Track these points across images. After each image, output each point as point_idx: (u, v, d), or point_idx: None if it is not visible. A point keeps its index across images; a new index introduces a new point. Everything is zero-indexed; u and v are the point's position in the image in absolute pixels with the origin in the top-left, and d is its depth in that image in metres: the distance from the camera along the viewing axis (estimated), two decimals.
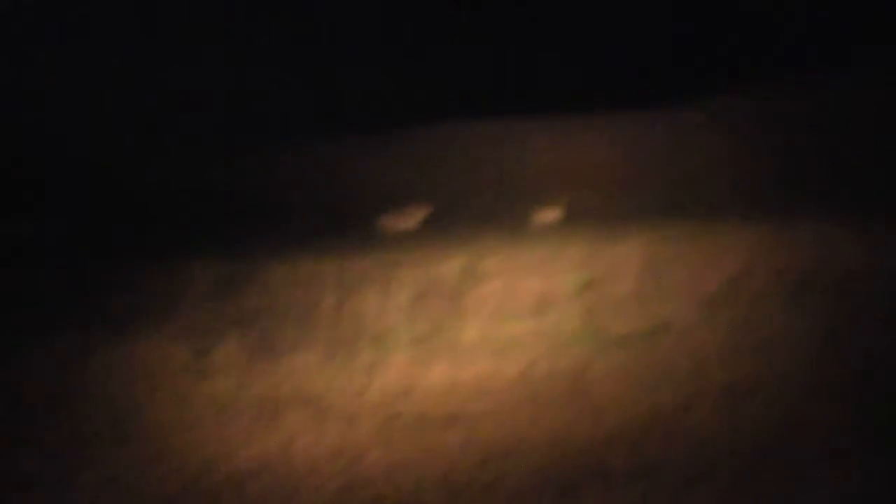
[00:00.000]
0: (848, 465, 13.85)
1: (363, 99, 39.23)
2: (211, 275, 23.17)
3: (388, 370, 18.74)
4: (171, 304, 22.21)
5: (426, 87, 38.99)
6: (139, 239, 27.02)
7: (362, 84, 39.84)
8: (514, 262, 23.34)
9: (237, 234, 27.26)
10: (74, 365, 19.28)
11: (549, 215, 27.63)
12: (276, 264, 23.54)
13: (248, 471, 15.19)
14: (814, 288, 20.37)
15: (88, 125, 37.08)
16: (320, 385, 18.17)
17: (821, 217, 23.03)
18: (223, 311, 21.91)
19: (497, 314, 21.44)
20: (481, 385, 17.81)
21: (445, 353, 19.58)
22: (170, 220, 29.55)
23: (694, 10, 39.28)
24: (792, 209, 24.48)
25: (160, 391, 18.00)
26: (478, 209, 29.77)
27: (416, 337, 20.55)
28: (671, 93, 34.52)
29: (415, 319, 21.44)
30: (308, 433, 16.15)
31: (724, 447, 14.54)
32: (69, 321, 21.15)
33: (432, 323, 21.19)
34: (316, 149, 35.66)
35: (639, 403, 16.26)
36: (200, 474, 15.19)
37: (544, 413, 16.42)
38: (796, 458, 14.18)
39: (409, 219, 28.53)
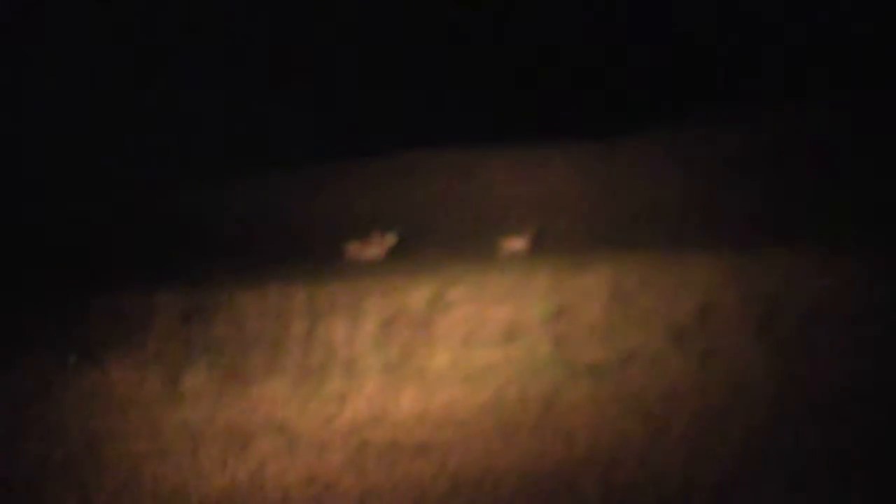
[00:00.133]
0: (814, 496, 14.03)
1: (329, 129, 39.34)
2: (180, 303, 23.12)
3: (358, 398, 18.81)
4: (142, 333, 22.21)
5: (391, 118, 39.18)
6: (108, 268, 27.01)
7: (329, 114, 39.98)
8: (482, 291, 23.41)
9: (204, 262, 27.27)
10: (48, 392, 19.29)
11: (516, 244, 27.73)
12: (244, 292, 23.52)
13: (219, 498, 15.18)
14: (780, 318, 20.58)
15: (52, 156, 37.17)
16: (291, 413, 18.23)
17: (786, 247, 23.20)
18: (193, 339, 21.92)
19: (466, 342, 21.54)
20: (452, 412, 17.91)
21: (415, 380, 19.67)
22: (138, 249, 29.55)
23: (650, 44, 39.71)
24: (756, 239, 24.70)
25: (132, 418, 18.01)
26: (444, 238, 29.86)
27: (385, 364, 20.63)
28: (630, 124, 34.80)
29: (384, 347, 21.51)
30: (279, 461, 16.18)
31: (694, 474, 14.66)
32: (42, 349, 21.15)
33: (402, 350, 21.27)
34: (282, 178, 35.69)
35: (609, 431, 16.39)
36: (173, 501, 15.22)
37: (515, 440, 16.50)
38: (764, 485, 14.31)
39: (377, 247, 28.57)
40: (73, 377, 19.89)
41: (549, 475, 15.14)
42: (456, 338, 21.78)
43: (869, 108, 32.34)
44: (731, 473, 14.60)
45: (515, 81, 39.51)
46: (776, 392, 17.53)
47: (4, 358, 20.72)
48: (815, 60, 37.53)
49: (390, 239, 28.74)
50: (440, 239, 29.73)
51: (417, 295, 23.37)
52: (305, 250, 29.20)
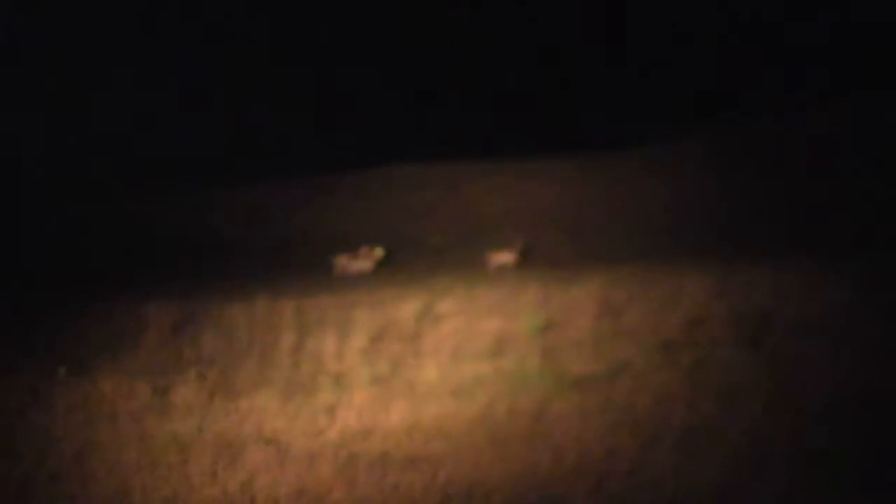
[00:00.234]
0: None
1: (317, 141, 39.35)
2: (170, 315, 23.12)
3: (348, 410, 18.81)
4: (132, 344, 22.19)
5: (381, 130, 39.24)
6: (98, 279, 26.97)
7: (316, 126, 39.99)
8: (472, 304, 23.45)
9: (194, 274, 27.26)
10: (37, 403, 19.26)
11: (505, 257, 27.75)
12: (233, 305, 23.51)
13: None
14: (770, 331, 20.64)
15: (28, 167, 37.13)
16: (281, 425, 18.22)
17: (776, 260, 23.29)
18: (182, 350, 21.92)
19: (456, 355, 21.56)
20: (441, 425, 17.92)
21: (405, 393, 19.67)
22: (129, 261, 29.52)
23: (635, 58, 39.87)
24: (746, 252, 24.77)
25: (122, 429, 17.98)
26: (433, 251, 29.87)
27: (375, 377, 20.63)
28: (619, 138, 34.92)
29: (374, 360, 21.52)
30: (269, 473, 16.18)
31: (683, 485, 14.71)
32: (32, 360, 21.13)
33: (391, 363, 21.28)
34: (270, 190, 35.71)
35: (599, 443, 16.42)
36: None
37: (505, 453, 16.52)
38: (754, 496, 14.37)
39: (365, 260, 28.56)
40: (63, 388, 19.85)
41: (539, 487, 15.19)
42: (445, 351, 21.80)
43: (865, 113, 32.56)
44: (721, 485, 14.65)
45: (502, 96, 39.54)
46: (764, 404, 17.58)
47: None
48: (806, 72, 37.61)
49: (378, 252, 28.74)
50: (428, 252, 29.73)
51: (406, 308, 23.39)
52: (294, 263, 29.18)
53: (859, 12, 38.42)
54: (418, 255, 29.27)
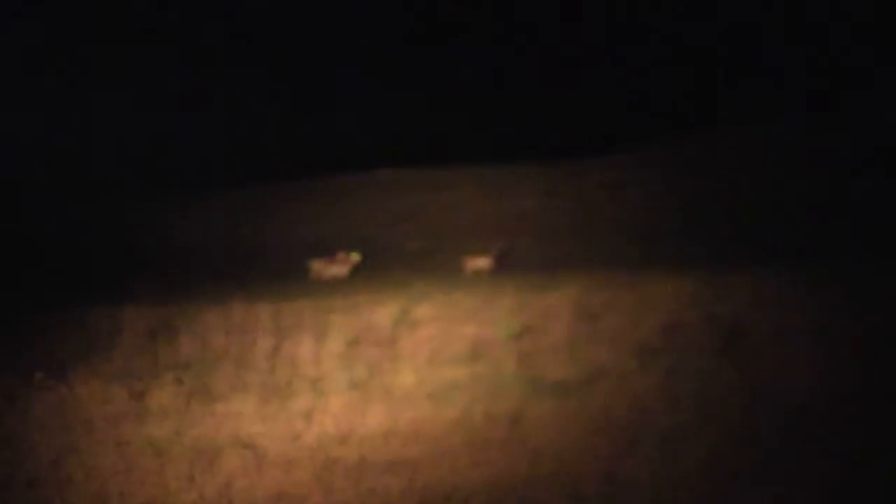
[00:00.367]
0: None
1: (294, 146, 39.37)
2: (146, 319, 23.10)
3: (325, 415, 18.81)
4: (107, 349, 22.16)
5: (357, 135, 39.29)
6: (73, 285, 26.94)
7: (294, 131, 40.02)
8: (448, 309, 23.47)
9: (169, 279, 27.23)
10: (13, 408, 19.20)
11: (481, 262, 27.82)
12: (209, 309, 23.48)
13: None
14: (747, 337, 20.74)
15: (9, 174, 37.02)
16: (258, 429, 18.21)
17: (754, 266, 23.40)
18: (159, 354, 21.90)
19: (432, 360, 21.59)
20: (419, 429, 17.93)
21: (382, 397, 19.70)
22: (103, 266, 29.50)
23: (625, 67, 40.05)
24: (725, 257, 24.89)
25: (99, 435, 17.94)
26: (409, 256, 29.92)
27: (352, 382, 20.65)
28: (599, 144, 35.08)
29: (351, 364, 21.53)
30: (246, 477, 16.15)
31: (661, 490, 14.75)
32: (7, 366, 21.05)
33: (368, 368, 21.30)
34: (246, 195, 35.74)
35: (577, 448, 16.45)
36: None
37: (482, 457, 16.53)
38: (731, 501, 14.42)
39: (342, 264, 28.58)
40: (40, 393, 19.81)
41: (517, 491, 15.18)
42: (422, 356, 21.83)
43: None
44: (697, 490, 14.68)
45: (484, 101, 39.70)
46: (740, 409, 17.66)
47: None
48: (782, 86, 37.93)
49: (355, 257, 28.76)
50: (405, 257, 29.79)
51: (383, 313, 23.41)
52: (270, 268, 29.20)
53: None
54: (395, 260, 29.31)
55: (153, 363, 21.59)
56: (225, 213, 34.23)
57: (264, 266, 29.52)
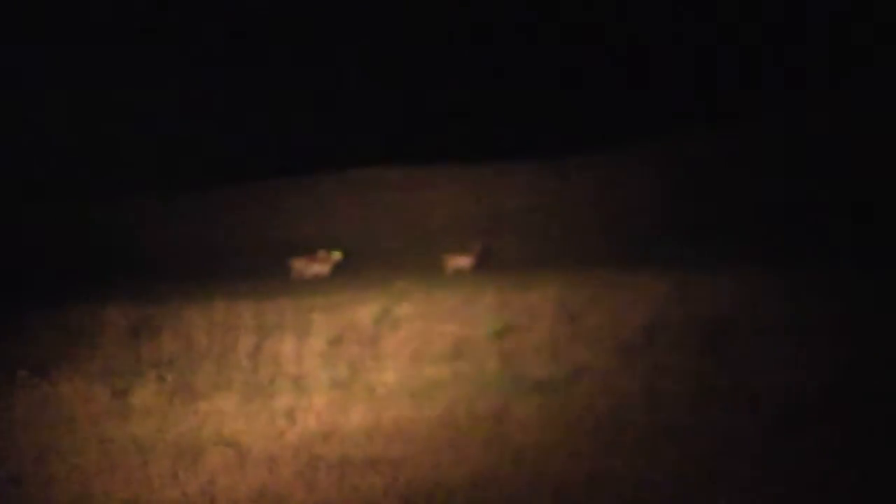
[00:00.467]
0: None
1: (274, 145, 39.33)
2: (128, 317, 23.12)
3: (307, 413, 18.79)
4: (90, 347, 22.16)
5: (338, 134, 39.23)
6: (56, 284, 26.94)
7: (273, 130, 39.96)
8: (430, 307, 23.53)
9: (151, 278, 27.27)
10: None
11: (463, 261, 27.90)
12: (192, 307, 23.52)
13: None
14: (729, 336, 20.84)
15: None
16: (240, 427, 18.19)
17: (737, 265, 23.53)
18: (141, 353, 21.91)
19: (414, 358, 21.63)
20: (402, 428, 17.94)
21: (365, 396, 19.70)
22: (84, 265, 29.49)
23: (605, 65, 40.11)
24: (707, 256, 25.01)
25: (82, 433, 17.92)
26: (391, 254, 29.98)
27: (334, 380, 20.66)
28: (584, 141, 35.10)
29: (333, 363, 21.55)
30: (229, 475, 16.14)
31: (644, 490, 14.81)
32: None
33: (350, 366, 21.33)
34: (225, 195, 35.68)
35: (560, 447, 16.46)
36: None
37: (465, 456, 16.55)
38: (716, 502, 14.49)
39: (323, 263, 28.62)
40: (22, 391, 19.79)
41: (500, 490, 15.20)
42: (404, 354, 21.88)
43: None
44: (683, 490, 14.75)
45: (466, 100, 39.72)
46: (724, 408, 17.74)
47: None
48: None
49: (336, 256, 28.81)
50: (386, 256, 29.85)
51: (364, 311, 23.46)
52: (252, 267, 29.25)
53: None
54: (376, 259, 29.37)
55: (136, 361, 21.60)
56: (203, 213, 34.21)
57: (245, 265, 29.57)
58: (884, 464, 15.06)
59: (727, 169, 31.93)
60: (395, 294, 24.39)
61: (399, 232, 31.43)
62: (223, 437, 17.82)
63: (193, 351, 22.04)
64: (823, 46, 38.20)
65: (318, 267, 28.59)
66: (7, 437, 17.81)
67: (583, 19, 40.62)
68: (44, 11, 39.81)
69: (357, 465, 16.38)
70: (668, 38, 39.86)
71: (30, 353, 21.49)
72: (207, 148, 38.46)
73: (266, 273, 28.26)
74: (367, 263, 29.20)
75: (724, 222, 28.49)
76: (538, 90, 39.29)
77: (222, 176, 36.16)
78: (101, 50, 39.46)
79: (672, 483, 14.93)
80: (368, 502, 15.18)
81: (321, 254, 28.80)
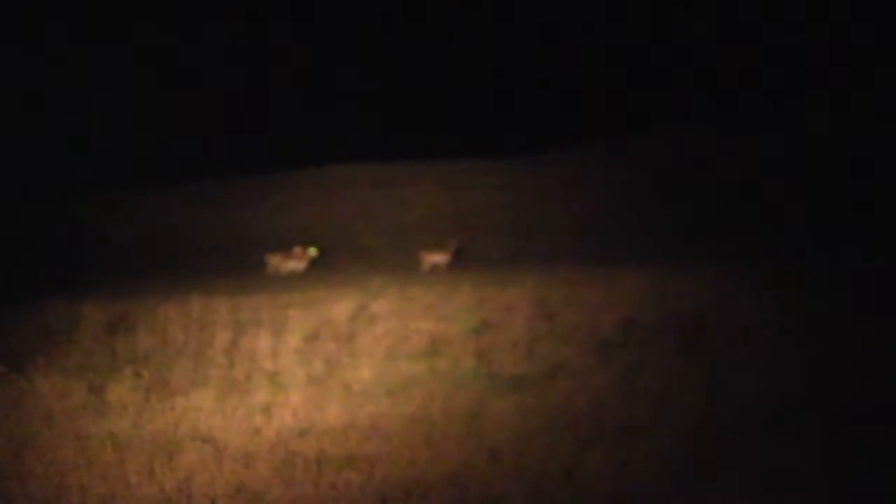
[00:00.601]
0: None
1: (249, 142, 39.34)
2: (105, 313, 23.10)
3: (284, 409, 18.80)
4: (66, 343, 22.13)
5: (312, 130, 39.26)
6: (32, 279, 26.88)
7: (248, 127, 39.97)
8: (406, 304, 23.61)
9: (128, 274, 27.24)
10: None
11: (439, 257, 27.96)
12: (168, 303, 23.53)
13: None
14: (706, 333, 20.97)
15: None
16: (217, 423, 18.18)
17: (713, 262, 23.66)
18: (118, 349, 21.88)
19: (391, 355, 21.66)
20: (378, 425, 17.97)
21: (341, 392, 19.72)
22: (61, 261, 29.42)
23: (582, 56, 40.24)
24: (686, 254, 25.13)
25: (59, 428, 17.90)
26: (367, 251, 30.01)
27: (311, 376, 20.67)
28: (559, 138, 35.22)
29: (309, 359, 21.56)
30: (206, 471, 16.14)
31: (620, 487, 14.89)
32: None
33: (326, 363, 21.35)
34: (200, 191, 35.67)
35: (537, 444, 16.53)
36: None
37: (442, 452, 16.59)
38: (691, 499, 14.57)
39: (299, 259, 28.64)
40: (0, 387, 19.76)
41: (476, 487, 15.25)
42: (380, 351, 21.91)
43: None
44: (658, 486, 14.83)
45: (442, 98, 39.80)
46: (700, 405, 17.84)
47: None
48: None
49: (312, 252, 28.83)
50: (362, 253, 29.88)
51: (340, 308, 23.51)
52: (227, 263, 29.24)
53: None
54: (351, 256, 29.41)
55: (112, 357, 21.57)
56: (179, 209, 34.20)
57: (221, 261, 29.55)
58: (859, 463, 15.19)
59: (704, 168, 32.09)
60: (371, 291, 24.44)
61: (375, 229, 31.46)
62: (200, 434, 17.81)
63: (170, 347, 22.04)
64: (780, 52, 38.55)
65: (294, 263, 28.61)
66: None
67: (559, 19, 40.70)
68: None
69: (334, 462, 16.41)
70: (645, 40, 39.99)
71: (6, 349, 21.44)
72: (183, 145, 38.43)
73: (242, 269, 28.27)
74: (342, 260, 29.24)
75: (700, 220, 28.63)
76: (512, 89, 39.37)
77: (199, 172, 36.14)
78: (73, 48, 39.36)
79: (649, 480, 15.02)
80: (345, 499, 15.21)
81: (297, 250, 28.81)
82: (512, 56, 40.10)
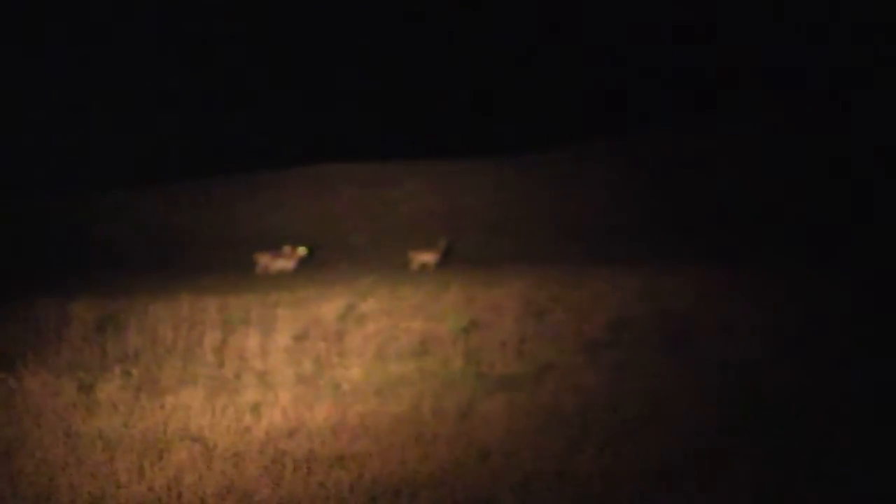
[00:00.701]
0: None
1: (239, 140, 39.31)
2: (94, 312, 23.08)
3: (273, 409, 18.81)
4: (56, 342, 22.14)
5: (303, 129, 39.25)
6: (21, 277, 26.85)
7: (238, 126, 39.95)
8: (395, 303, 23.61)
9: (117, 273, 27.20)
10: None
11: (428, 257, 27.97)
12: (157, 303, 23.52)
13: None
14: (694, 332, 21.03)
15: None
16: (206, 422, 18.18)
17: (702, 262, 23.70)
18: (107, 347, 21.91)
19: (380, 354, 21.72)
20: (367, 424, 17.99)
21: (330, 392, 19.75)
22: (51, 259, 29.39)
23: (568, 59, 40.26)
24: (673, 253, 25.16)
25: (49, 427, 17.89)
26: (355, 250, 30.00)
27: (300, 376, 20.71)
28: (548, 138, 35.25)
29: (298, 359, 21.61)
30: (196, 470, 16.15)
31: (610, 486, 14.92)
32: None
33: (316, 362, 21.39)
34: (188, 190, 35.62)
35: (526, 444, 16.54)
36: None
37: (431, 452, 16.60)
38: (680, 498, 14.61)
39: (288, 258, 28.63)
40: None
41: (466, 487, 15.26)
42: (369, 350, 21.96)
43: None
44: (648, 485, 14.87)
45: (430, 97, 39.78)
46: (689, 405, 17.89)
47: None
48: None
49: (301, 251, 28.83)
50: (351, 252, 29.87)
51: (329, 307, 23.52)
52: (216, 262, 29.20)
53: None
54: (340, 255, 29.40)
55: (101, 356, 21.61)
56: (168, 208, 34.15)
57: (210, 260, 29.51)
58: (849, 463, 15.25)
59: (690, 168, 32.13)
60: (360, 290, 24.45)
61: (364, 228, 31.45)
62: (189, 433, 17.82)
63: (159, 346, 22.09)
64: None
65: (283, 262, 28.60)
66: None
67: (550, 18, 40.74)
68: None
69: (323, 462, 16.42)
70: (631, 39, 40.05)
71: None
72: (175, 143, 38.40)
73: (231, 268, 28.24)
74: (331, 259, 29.22)
75: (689, 220, 28.67)
76: (502, 88, 39.39)
77: (188, 171, 36.11)
78: (64, 47, 39.34)
79: (638, 480, 15.06)
80: (334, 499, 15.21)
81: (286, 249, 28.81)
82: (497, 54, 40.08)
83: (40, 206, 34.14)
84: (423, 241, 28.80)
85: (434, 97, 39.47)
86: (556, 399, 18.62)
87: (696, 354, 20.25)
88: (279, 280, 26.89)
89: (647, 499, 14.53)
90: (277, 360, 21.59)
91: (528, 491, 14.96)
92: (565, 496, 14.76)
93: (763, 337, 20.55)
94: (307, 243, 29.22)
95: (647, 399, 18.28)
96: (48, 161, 37.16)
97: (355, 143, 37.16)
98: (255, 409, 18.90)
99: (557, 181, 32.46)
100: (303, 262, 28.70)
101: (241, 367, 21.17)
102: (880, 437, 16.10)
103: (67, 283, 25.63)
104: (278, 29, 41.46)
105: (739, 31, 39.62)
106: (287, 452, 16.86)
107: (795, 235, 26.91)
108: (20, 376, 20.09)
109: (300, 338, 22.47)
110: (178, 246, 30.74)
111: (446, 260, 27.94)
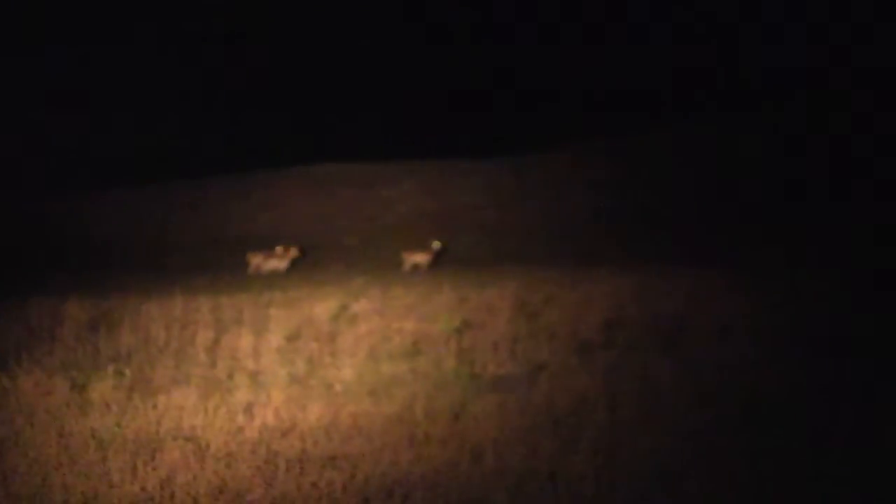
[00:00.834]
0: None
1: (233, 141, 39.30)
2: (87, 311, 23.09)
3: (266, 409, 18.80)
4: (49, 341, 22.13)
5: (295, 130, 39.26)
6: (15, 277, 26.83)
7: (232, 127, 39.94)
8: (387, 304, 23.64)
9: (110, 272, 27.20)
10: None
11: (420, 257, 28.00)
12: (150, 302, 23.54)
13: None
14: (688, 334, 21.06)
15: None
16: (199, 422, 18.18)
17: (695, 264, 23.74)
18: (100, 347, 21.89)
19: (372, 355, 21.72)
20: (360, 424, 17.99)
21: (323, 392, 19.74)
22: (44, 258, 29.37)
23: (556, 58, 40.31)
24: (666, 255, 25.20)
25: (41, 426, 17.88)
26: (348, 251, 30.02)
27: (292, 376, 20.70)
28: (540, 138, 35.27)
29: (291, 358, 21.60)
30: (188, 470, 16.15)
31: (604, 488, 14.94)
32: None
33: (308, 362, 21.38)
34: (182, 190, 35.62)
35: (519, 445, 16.55)
36: None
37: (423, 453, 16.60)
38: (673, 499, 14.63)
39: (280, 259, 28.65)
40: None
41: (459, 488, 15.27)
42: (362, 351, 21.97)
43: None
44: (641, 487, 14.89)
45: (423, 99, 39.81)
46: (682, 407, 17.90)
47: None
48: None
49: (294, 252, 28.84)
50: (344, 252, 29.89)
51: (322, 308, 23.55)
52: (209, 262, 29.22)
53: None
54: (333, 255, 29.42)
55: (94, 355, 21.59)
56: (161, 208, 34.14)
57: (202, 260, 29.52)
58: (839, 463, 15.28)
59: (687, 168, 32.17)
60: (352, 290, 24.48)
61: (357, 228, 31.47)
62: (182, 432, 17.81)
63: (152, 345, 22.08)
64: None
65: (275, 262, 28.62)
66: None
67: (544, 19, 40.79)
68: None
69: (315, 462, 16.41)
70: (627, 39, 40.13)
71: None
72: (168, 143, 38.42)
73: (224, 268, 28.27)
74: (324, 259, 29.24)
75: (682, 221, 28.69)
76: (496, 89, 39.42)
77: (181, 170, 36.11)
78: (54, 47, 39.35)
79: (632, 481, 15.07)
80: (327, 499, 15.21)
81: (279, 249, 28.83)
82: (490, 56, 40.11)
83: (32, 206, 34.13)
84: (415, 241, 28.84)
85: (433, 97, 39.48)
86: (549, 400, 18.61)
87: (690, 355, 20.26)
88: (272, 280, 26.92)
89: (641, 500, 14.55)
90: (270, 360, 21.58)
91: (521, 492, 14.97)
92: (559, 497, 14.77)
93: (759, 337, 20.58)
94: (300, 244, 29.25)
95: (640, 401, 18.30)
96: (46, 161, 37.15)
97: (350, 143, 37.14)
98: (248, 409, 18.88)
99: (552, 182, 32.49)
100: (296, 263, 28.73)
101: (233, 367, 21.15)
102: (879, 437, 16.14)
103: (61, 282, 25.65)
104: (278, 29, 41.46)
105: (739, 31, 39.68)
106: (280, 453, 16.85)
107: (795, 235, 26.94)
108: (13, 375, 20.08)
109: (293, 338, 22.48)
110: (171, 246, 30.74)
111: (439, 260, 27.97)
